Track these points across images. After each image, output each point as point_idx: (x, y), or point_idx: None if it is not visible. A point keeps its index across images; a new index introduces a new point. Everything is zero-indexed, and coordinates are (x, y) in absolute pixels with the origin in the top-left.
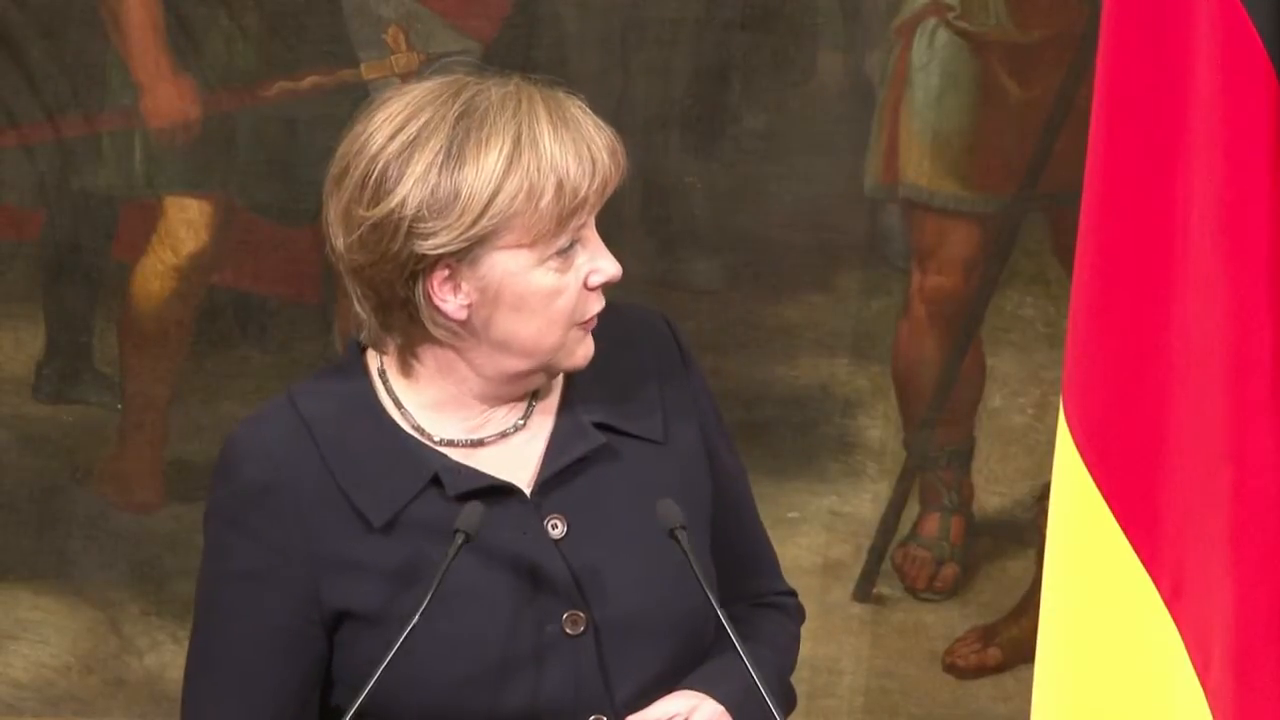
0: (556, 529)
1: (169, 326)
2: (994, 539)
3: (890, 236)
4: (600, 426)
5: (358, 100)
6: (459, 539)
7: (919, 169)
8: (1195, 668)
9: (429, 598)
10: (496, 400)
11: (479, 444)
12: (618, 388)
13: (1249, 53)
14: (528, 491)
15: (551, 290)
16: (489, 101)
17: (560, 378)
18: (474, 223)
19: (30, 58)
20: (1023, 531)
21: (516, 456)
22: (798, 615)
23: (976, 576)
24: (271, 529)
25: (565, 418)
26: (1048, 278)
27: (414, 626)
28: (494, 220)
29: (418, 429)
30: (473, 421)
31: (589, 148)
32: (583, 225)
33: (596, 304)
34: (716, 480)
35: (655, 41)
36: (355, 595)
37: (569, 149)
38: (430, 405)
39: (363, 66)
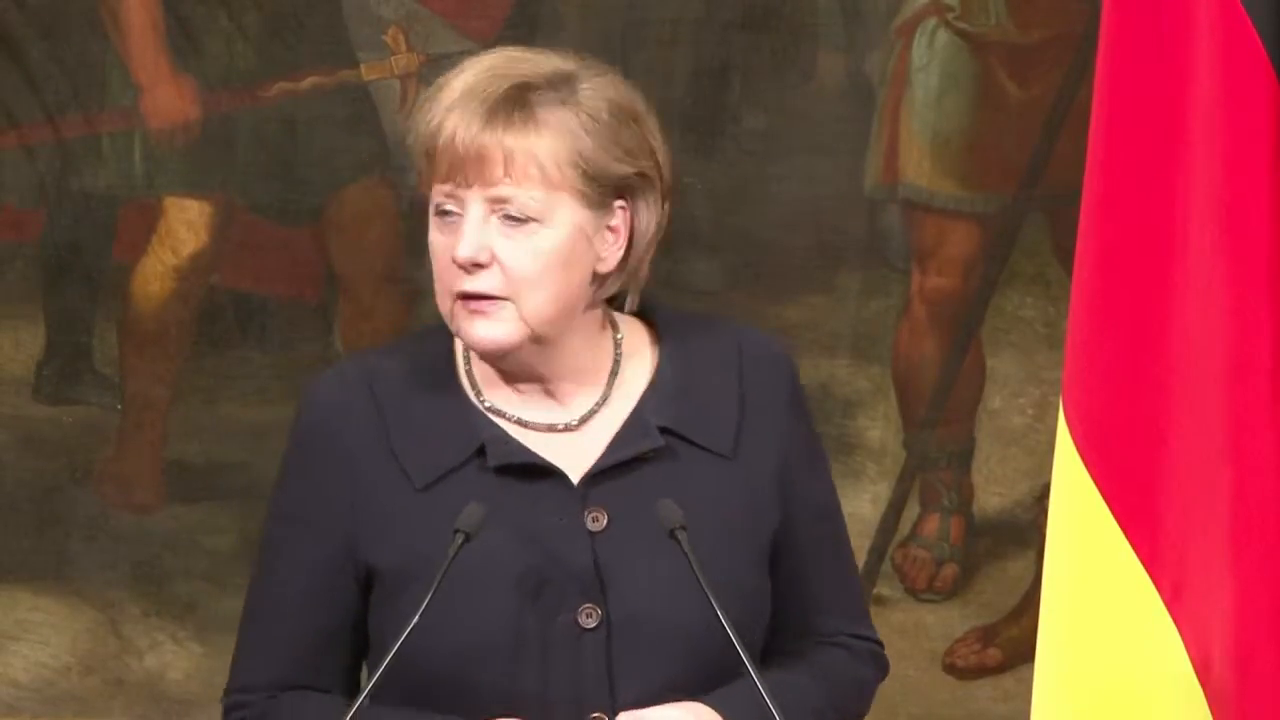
0: (596, 522)
1: (169, 327)
2: (994, 539)
3: (890, 237)
4: (666, 431)
5: (358, 101)
6: (458, 539)
7: (919, 169)
8: (1195, 668)
9: (429, 596)
10: (529, 378)
11: (534, 426)
12: (696, 399)
13: (1249, 53)
14: (575, 479)
15: (431, 242)
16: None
17: (640, 384)
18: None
19: (30, 58)
20: (1023, 532)
21: (573, 445)
22: (871, 661)
23: (976, 577)
24: (320, 475)
25: (633, 419)
26: (1048, 278)
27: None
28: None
29: (480, 397)
30: (531, 400)
31: (486, 124)
32: (462, 196)
33: (463, 281)
34: (794, 514)
35: (655, 41)
36: (386, 555)
37: (454, 108)
38: (493, 378)
39: (362, 67)
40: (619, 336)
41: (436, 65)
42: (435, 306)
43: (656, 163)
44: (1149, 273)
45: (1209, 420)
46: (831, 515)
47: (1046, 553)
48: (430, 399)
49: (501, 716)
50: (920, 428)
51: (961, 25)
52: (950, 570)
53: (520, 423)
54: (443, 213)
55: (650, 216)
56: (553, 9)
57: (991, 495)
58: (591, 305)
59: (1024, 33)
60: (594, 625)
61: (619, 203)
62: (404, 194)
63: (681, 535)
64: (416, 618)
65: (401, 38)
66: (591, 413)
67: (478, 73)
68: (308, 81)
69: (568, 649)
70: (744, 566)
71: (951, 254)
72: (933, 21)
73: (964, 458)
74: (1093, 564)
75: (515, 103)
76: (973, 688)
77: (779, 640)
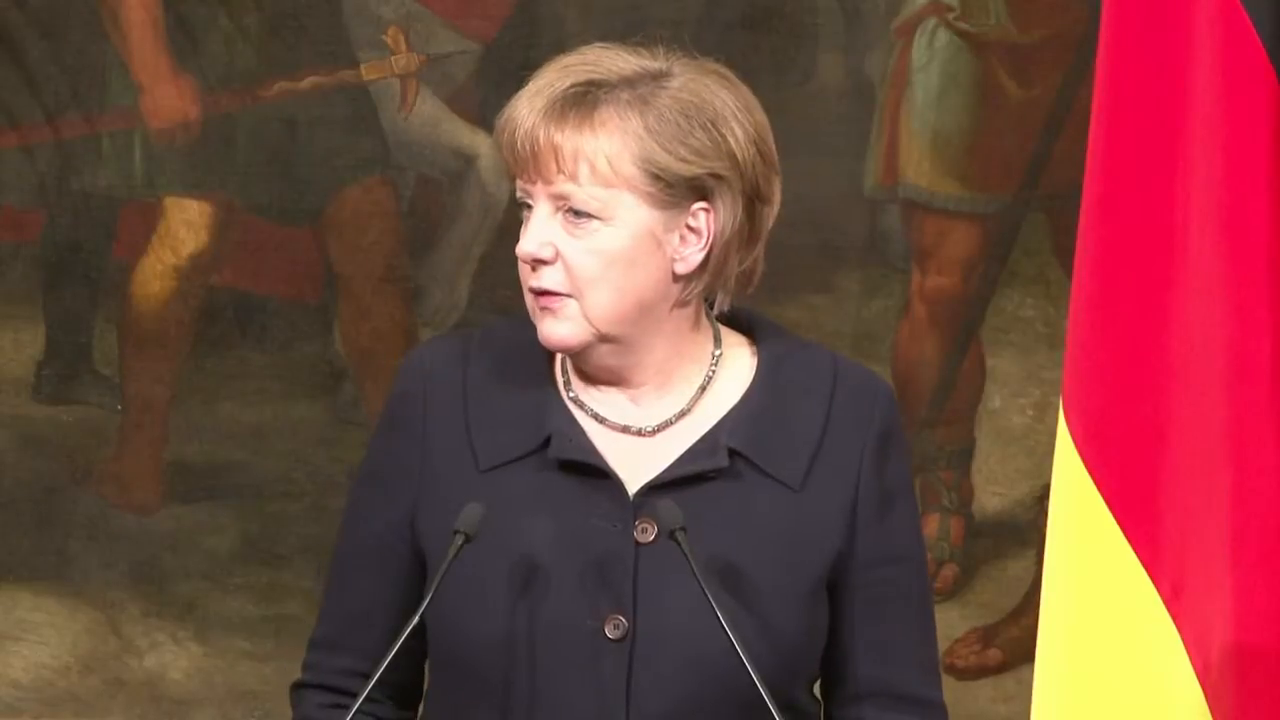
0: (645, 533)
1: (169, 327)
2: (994, 539)
3: (890, 237)
4: (736, 454)
5: (358, 101)
6: (458, 540)
7: (919, 169)
8: (1195, 668)
9: (430, 595)
10: (610, 380)
11: (610, 425)
12: (776, 426)
13: (1249, 53)
14: (632, 489)
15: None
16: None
17: (728, 402)
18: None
19: (30, 58)
20: (1023, 532)
21: (643, 452)
22: None
23: (976, 577)
24: (399, 439)
25: (708, 436)
26: (1048, 278)
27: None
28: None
29: (568, 388)
30: (612, 400)
31: (543, 121)
32: (531, 190)
33: (531, 277)
34: (855, 555)
35: (655, 42)
36: (436, 529)
37: (522, 105)
38: (580, 373)
39: (362, 67)
40: (717, 352)
41: (436, 65)
42: (434, 305)
43: (735, 164)
44: (1149, 273)
45: (1209, 420)
46: (899, 562)
47: (1046, 553)
48: (516, 383)
49: (517, 712)
50: (920, 427)
51: (962, 25)
52: (950, 571)
53: (597, 418)
54: (522, 205)
55: (728, 217)
56: (552, 9)
57: (991, 495)
58: (679, 305)
59: (1024, 33)
60: (619, 636)
61: (700, 204)
62: (404, 194)
63: (681, 537)
64: (417, 616)
65: (401, 38)
66: (669, 422)
67: (555, 69)
68: (308, 81)
69: (590, 656)
70: (788, 599)
71: (951, 254)
72: (933, 21)
73: (964, 458)
74: (1093, 564)
75: (576, 101)
76: (973, 688)
77: (830, 688)
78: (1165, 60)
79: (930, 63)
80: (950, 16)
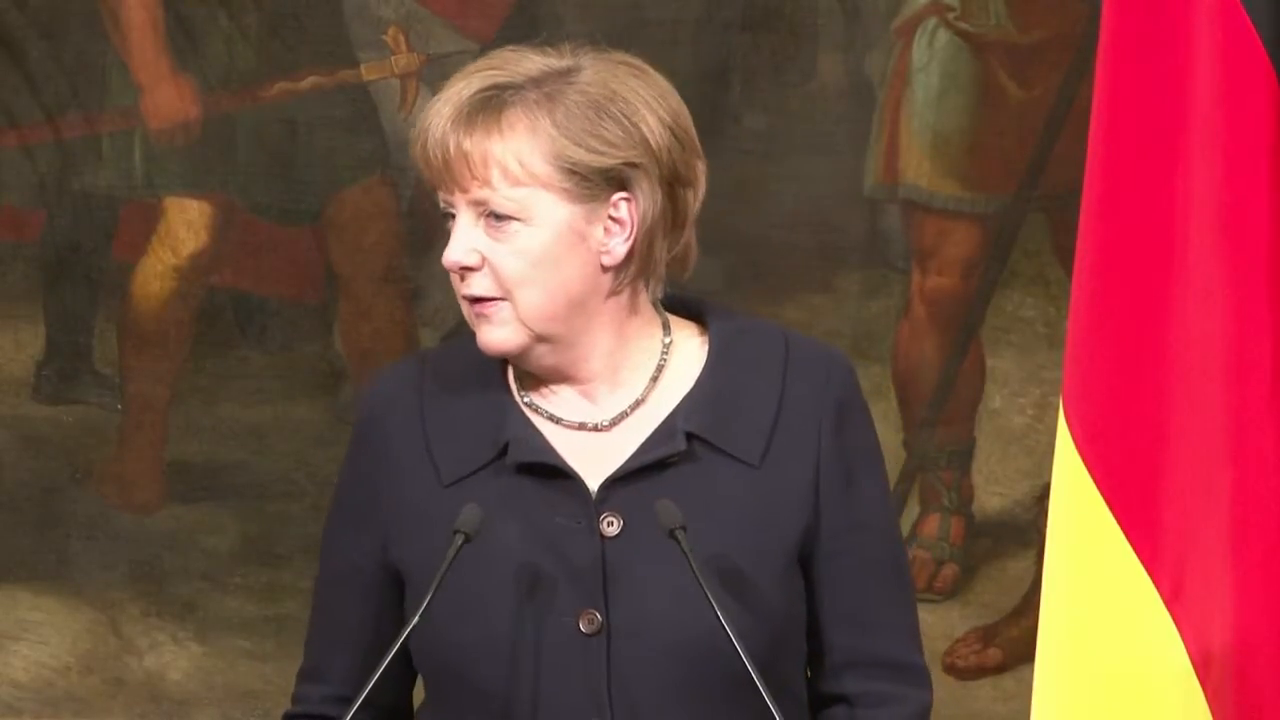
0: (611, 526)
1: (169, 327)
2: (994, 539)
3: (890, 237)
4: (694, 438)
5: (358, 100)
6: (458, 539)
7: (919, 169)
8: (1195, 668)
9: (430, 596)
10: (558, 378)
11: (566, 424)
12: (731, 406)
13: (1249, 53)
14: (594, 485)
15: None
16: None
17: (682, 388)
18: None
19: (30, 58)
20: (1023, 532)
21: (600, 446)
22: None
23: (976, 577)
24: (365, 466)
25: (664, 424)
26: (1048, 278)
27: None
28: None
29: (521, 393)
30: (565, 399)
31: (452, 131)
32: (451, 200)
33: (461, 286)
34: (824, 526)
35: (655, 42)
36: (408, 551)
37: (431, 116)
38: (529, 376)
39: (362, 67)
40: (667, 339)
41: (437, 65)
42: (434, 305)
43: (649, 150)
44: (1149, 273)
45: (1209, 420)
46: (867, 529)
47: (1046, 553)
48: (472, 395)
49: (506, 715)
50: (920, 428)
51: (962, 25)
52: (950, 570)
53: (553, 419)
54: (446, 215)
55: (649, 205)
56: (553, 9)
57: (991, 495)
58: (612, 295)
59: (1024, 33)
60: (594, 630)
61: (620, 194)
62: (404, 194)
63: (680, 535)
64: (416, 618)
65: (401, 38)
66: (624, 414)
67: (461, 77)
68: (308, 81)
69: (567, 653)
70: (763, 577)
71: (951, 254)
72: (933, 21)
73: (964, 458)
74: (1093, 564)
75: (482, 106)
76: (973, 688)
77: (812, 664)
78: (1165, 60)
79: (930, 63)
80: (950, 16)
